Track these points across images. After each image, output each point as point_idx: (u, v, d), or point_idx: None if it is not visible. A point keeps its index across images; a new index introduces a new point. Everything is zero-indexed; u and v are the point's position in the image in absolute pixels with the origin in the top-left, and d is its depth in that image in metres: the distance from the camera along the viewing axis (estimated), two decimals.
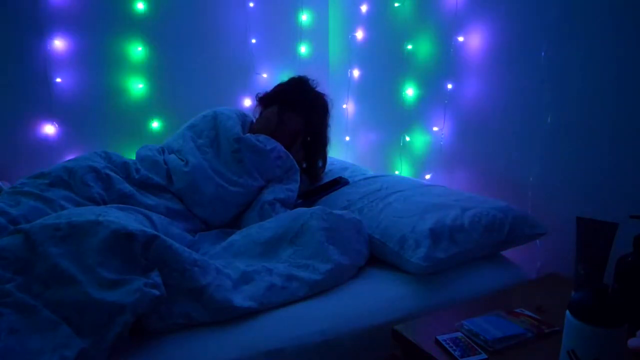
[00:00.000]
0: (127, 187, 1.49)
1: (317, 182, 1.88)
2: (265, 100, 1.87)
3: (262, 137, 1.69)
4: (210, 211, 1.57)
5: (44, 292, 1.01)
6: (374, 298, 1.26)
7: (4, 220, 1.21)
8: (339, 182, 1.79)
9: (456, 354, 0.98)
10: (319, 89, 1.88)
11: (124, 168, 1.56)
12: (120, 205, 1.40)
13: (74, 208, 1.31)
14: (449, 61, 1.88)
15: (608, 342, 0.79)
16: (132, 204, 1.45)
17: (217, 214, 1.58)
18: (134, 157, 1.67)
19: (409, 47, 2.06)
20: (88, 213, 1.16)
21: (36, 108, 2.04)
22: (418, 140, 2.09)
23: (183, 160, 1.61)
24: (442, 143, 1.95)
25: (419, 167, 2.10)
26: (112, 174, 1.49)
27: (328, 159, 2.10)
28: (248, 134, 1.68)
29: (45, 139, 2.07)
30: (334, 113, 2.49)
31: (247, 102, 2.35)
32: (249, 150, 1.63)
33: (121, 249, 1.07)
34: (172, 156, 1.64)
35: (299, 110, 1.78)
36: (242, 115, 1.79)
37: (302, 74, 1.82)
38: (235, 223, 1.64)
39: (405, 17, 2.07)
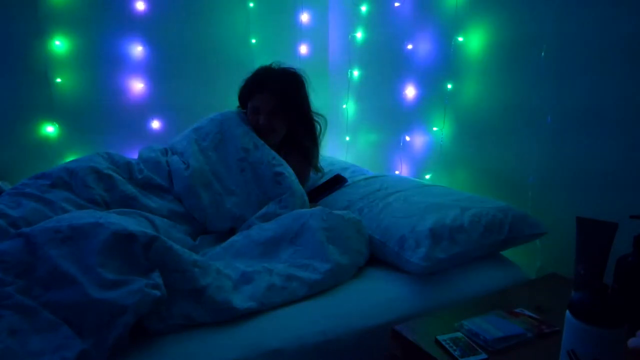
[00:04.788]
0: (130, 189, 1.49)
1: (312, 164, 1.83)
2: (240, 100, 1.82)
3: (275, 155, 1.63)
4: (206, 218, 1.55)
5: (45, 293, 1.01)
6: (374, 298, 1.26)
7: (4, 222, 1.21)
8: (338, 181, 1.79)
9: (456, 354, 0.98)
10: (310, 89, 1.81)
11: (127, 168, 1.55)
12: (122, 209, 1.40)
13: (74, 211, 1.30)
14: (449, 61, 1.88)
15: (608, 342, 0.79)
16: (135, 206, 1.45)
17: (213, 223, 1.56)
18: (135, 157, 1.67)
19: (409, 47, 2.06)
20: (88, 216, 1.16)
21: (36, 108, 2.04)
22: (418, 140, 2.09)
23: (185, 164, 1.60)
24: (442, 143, 1.95)
25: (419, 167, 2.10)
26: (114, 174, 1.49)
27: (328, 159, 2.10)
28: (263, 147, 1.63)
29: (46, 139, 2.07)
30: (333, 113, 2.51)
31: None
32: (254, 162, 1.60)
33: (122, 250, 1.07)
34: (175, 157, 1.63)
35: (267, 88, 1.69)
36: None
37: (301, 73, 1.81)
38: (233, 231, 1.59)
39: (405, 17, 2.07)
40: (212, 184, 1.57)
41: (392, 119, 2.21)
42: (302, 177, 1.76)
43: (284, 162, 1.63)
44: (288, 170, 1.61)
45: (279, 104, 1.69)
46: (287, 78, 1.74)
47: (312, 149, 1.81)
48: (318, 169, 1.86)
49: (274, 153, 1.64)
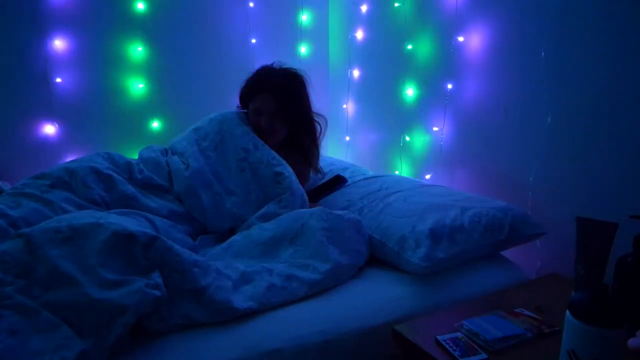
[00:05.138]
0: (130, 189, 1.48)
1: (312, 165, 1.82)
2: (241, 101, 1.81)
3: (275, 155, 1.63)
4: (206, 218, 1.55)
5: (45, 294, 1.01)
6: (374, 298, 1.26)
7: (4, 222, 1.21)
8: (338, 181, 1.79)
9: (456, 354, 0.98)
10: (310, 89, 1.80)
11: (127, 168, 1.55)
12: (123, 210, 1.40)
13: (75, 212, 1.30)
14: (449, 61, 1.88)
15: (608, 342, 0.79)
16: (135, 206, 1.45)
17: (213, 223, 1.55)
18: (135, 157, 1.67)
19: (409, 47, 2.06)
20: (88, 216, 1.16)
21: (36, 108, 2.04)
22: (418, 140, 2.09)
23: (185, 164, 1.60)
24: (442, 143, 1.95)
25: (419, 167, 2.10)
26: (114, 174, 1.49)
27: (328, 159, 2.10)
28: (263, 147, 1.63)
29: (45, 139, 2.07)
30: (334, 113, 2.51)
31: None
32: (254, 162, 1.60)
33: (122, 250, 1.07)
34: (175, 158, 1.63)
35: (269, 89, 1.68)
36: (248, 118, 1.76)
37: (302, 74, 1.81)
38: (233, 231, 1.58)
39: (405, 17, 2.07)
40: (212, 184, 1.57)
41: (392, 119, 2.21)
42: (302, 178, 1.75)
43: (283, 162, 1.63)
44: (288, 170, 1.61)
45: (281, 105, 1.69)
46: (289, 79, 1.74)
47: (312, 150, 1.81)
48: (318, 170, 1.86)
49: (274, 153, 1.63)
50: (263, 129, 1.69)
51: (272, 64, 1.78)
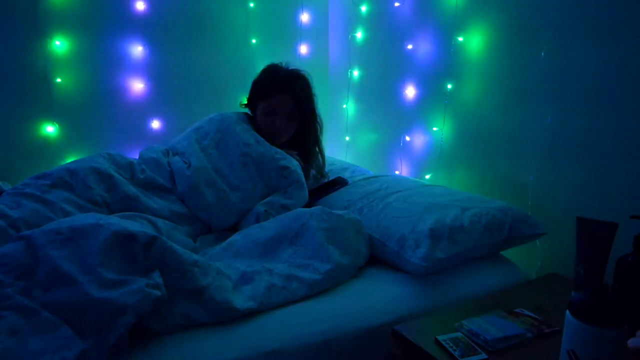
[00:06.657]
0: (132, 190, 1.48)
1: (316, 168, 1.84)
2: (250, 101, 1.81)
3: (277, 150, 1.64)
4: (212, 216, 1.55)
5: (45, 294, 1.01)
6: (374, 298, 1.26)
7: (3, 223, 1.21)
8: (338, 183, 1.79)
9: (456, 354, 0.98)
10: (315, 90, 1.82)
11: (129, 168, 1.55)
12: (125, 213, 1.40)
13: (75, 215, 1.30)
14: (449, 61, 1.88)
15: (608, 342, 0.79)
16: (136, 207, 1.45)
17: (218, 220, 1.56)
18: (136, 157, 1.67)
19: (409, 47, 2.06)
20: (89, 218, 1.16)
21: (36, 108, 2.04)
22: (418, 140, 2.09)
23: (186, 163, 1.60)
24: (442, 143, 1.95)
25: (419, 167, 2.10)
26: (115, 174, 1.48)
27: (328, 159, 2.10)
28: (264, 142, 1.64)
29: (45, 139, 2.07)
30: (334, 113, 2.51)
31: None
32: (257, 156, 1.60)
33: (122, 250, 1.07)
34: (176, 158, 1.64)
35: (286, 89, 1.69)
36: (250, 119, 1.76)
37: (307, 74, 1.80)
38: (234, 229, 1.61)
39: (405, 17, 2.08)
40: (216, 181, 1.57)
41: (392, 119, 2.21)
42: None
43: (288, 156, 1.64)
44: (294, 164, 1.62)
45: (296, 106, 1.70)
46: (303, 80, 1.75)
47: (315, 151, 1.83)
48: (324, 175, 1.87)
49: (276, 148, 1.65)
50: (277, 129, 1.70)
51: (280, 63, 1.78)
